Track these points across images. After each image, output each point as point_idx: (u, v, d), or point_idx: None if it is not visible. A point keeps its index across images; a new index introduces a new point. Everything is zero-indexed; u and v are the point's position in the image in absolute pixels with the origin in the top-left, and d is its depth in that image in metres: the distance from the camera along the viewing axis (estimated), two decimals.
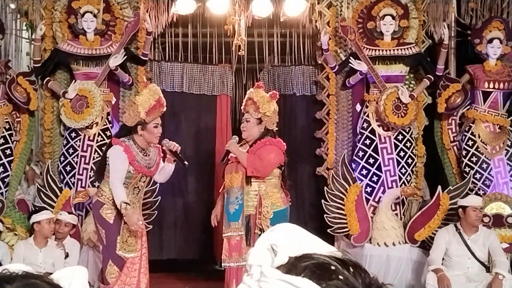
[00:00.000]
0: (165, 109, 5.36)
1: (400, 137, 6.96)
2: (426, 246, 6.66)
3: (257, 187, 5.42)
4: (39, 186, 6.83)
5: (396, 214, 6.87)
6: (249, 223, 5.42)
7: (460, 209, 6.03)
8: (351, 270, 1.03)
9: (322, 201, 6.86)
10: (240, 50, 7.01)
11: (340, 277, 1.02)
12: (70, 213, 6.41)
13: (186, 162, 5.36)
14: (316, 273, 1.02)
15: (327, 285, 1.01)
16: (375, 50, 6.94)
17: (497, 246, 6.02)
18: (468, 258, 5.97)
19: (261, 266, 1.05)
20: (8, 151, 6.83)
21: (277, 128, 5.67)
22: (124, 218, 5.07)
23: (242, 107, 5.70)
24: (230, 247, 5.42)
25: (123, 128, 5.44)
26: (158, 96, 5.22)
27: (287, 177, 5.67)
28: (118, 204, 5.05)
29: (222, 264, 5.57)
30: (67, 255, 6.14)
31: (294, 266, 1.04)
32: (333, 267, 1.03)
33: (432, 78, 6.98)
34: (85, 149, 6.94)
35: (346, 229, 6.78)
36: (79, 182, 6.93)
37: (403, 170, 6.94)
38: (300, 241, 1.09)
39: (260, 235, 5.95)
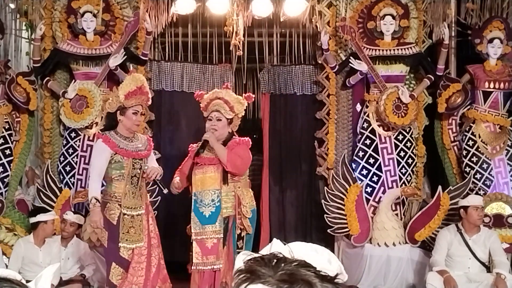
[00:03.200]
0: (150, 101, 5.35)
1: (400, 137, 6.96)
2: (426, 246, 6.65)
3: (233, 187, 5.29)
4: (39, 186, 6.82)
5: (397, 214, 6.86)
6: (227, 224, 5.27)
7: (462, 210, 6.01)
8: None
9: (322, 201, 6.84)
10: (238, 50, 6.99)
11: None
12: (75, 212, 6.40)
13: (165, 191, 5.24)
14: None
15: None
16: (375, 50, 6.94)
17: (498, 247, 6.00)
18: (469, 259, 5.95)
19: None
20: (7, 151, 6.83)
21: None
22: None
23: (204, 106, 5.42)
24: (204, 250, 5.23)
25: (107, 119, 5.45)
26: (140, 84, 5.17)
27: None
28: (89, 198, 5.11)
29: (193, 268, 5.27)
30: (83, 268, 6.21)
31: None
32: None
33: (433, 78, 6.97)
34: (84, 149, 6.94)
35: (346, 229, 6.76)
36: (79, 182, 6.93)
37: (403, 170, 6.93)
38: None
39: (241, 234, 5.74)
